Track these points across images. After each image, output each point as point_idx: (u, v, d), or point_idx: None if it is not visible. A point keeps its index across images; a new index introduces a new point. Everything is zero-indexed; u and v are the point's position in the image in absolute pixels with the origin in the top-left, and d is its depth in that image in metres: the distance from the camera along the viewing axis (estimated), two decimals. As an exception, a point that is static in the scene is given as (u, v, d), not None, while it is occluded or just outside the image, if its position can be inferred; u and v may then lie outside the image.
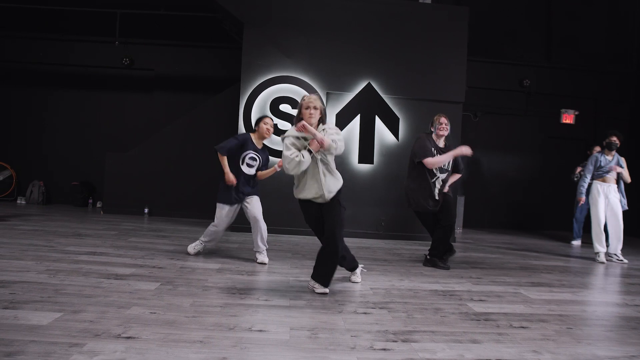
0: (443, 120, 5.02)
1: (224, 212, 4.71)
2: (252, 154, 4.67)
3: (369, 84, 6.98)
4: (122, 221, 7.41)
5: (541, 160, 9.67)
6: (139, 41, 8.95)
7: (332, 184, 3.70)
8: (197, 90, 9.06)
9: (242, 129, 6.90)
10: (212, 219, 4.83)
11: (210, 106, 8.24)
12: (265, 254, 4.83)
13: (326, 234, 3.65)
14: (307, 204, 3.79)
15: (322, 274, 3.70)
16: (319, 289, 3.70)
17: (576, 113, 9.14)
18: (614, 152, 5.98)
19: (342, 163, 7.02)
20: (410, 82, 7.04)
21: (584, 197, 6.15)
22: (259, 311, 3.14)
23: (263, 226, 4.75)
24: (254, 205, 4.74)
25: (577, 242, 7.71)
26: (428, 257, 5.13)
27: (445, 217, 4.99)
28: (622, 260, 5.95)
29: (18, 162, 9.40)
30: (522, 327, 3.10)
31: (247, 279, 4.06)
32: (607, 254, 6.03)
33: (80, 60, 9.20)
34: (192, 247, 4.99)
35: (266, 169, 4.87)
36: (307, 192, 3.70)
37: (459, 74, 7.09)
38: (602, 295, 4.22)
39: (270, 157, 5.02)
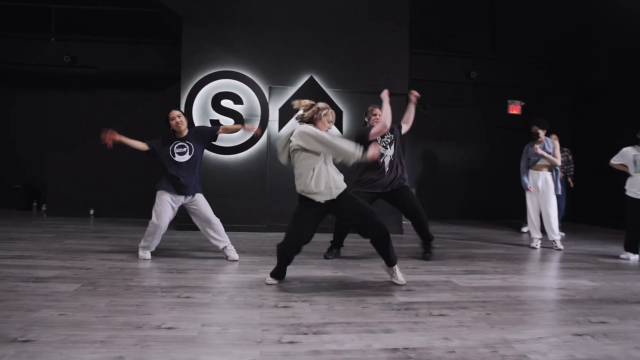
0: (377, 111, 5.01)
1: (163, 201, 4.55)
2: (178, 143, 4.62)
3: (311, 77, 6.96)
4: (65, 224, 7.18)
5: (491, 151, 9.85)
6: (80, 38, 8.66)
7: (338, 180, 3.71)
8: (141, 87, 8.85)
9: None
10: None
11: (155, 104, 8.04)
12: (233, 248, 4.79)
13: (370, 225, 3.67)
14: (308, 201, 3.71)
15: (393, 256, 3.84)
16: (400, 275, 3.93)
17: (522, 104, 9.33)
18: (541, 140, 6.12)
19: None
20: (352, 75, 7.05)
21: (529, 186, 6.25)
22: (176, 308, 3.07)
23: (216, 223, 4.70)
24: (201, 206, 4.66)
25: (526, 229, 7.84)
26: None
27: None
28: (557, 247, 6.09)
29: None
30: (441, 315, 3.12)
31: (175, 277, 3.97)
32: (553, 241, 6.15)
33: (19, 59, 8.84)
34: (142, 255, 4.70)
35: (201, 147, 4.71)
36: (314, 187, 3.61)
37: (402, 66, 7.14)
38: (530, 280, 4.30)
39: (205, 130, 4.83)
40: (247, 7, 6.90)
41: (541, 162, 6.12)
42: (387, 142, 5.05)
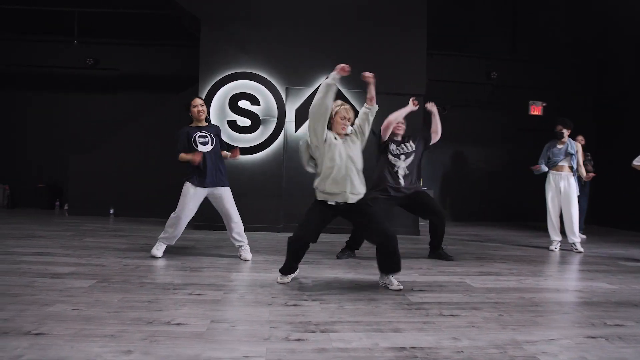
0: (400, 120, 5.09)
1: (189, 194, 4.55)
2: (199, 133, 4.62)
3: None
4: (85, 222, 7.33)
5: (512, 152, 9.71)
6: (102, 41, 8.85)
7: (358, 185, 3.67)
8: (161, 89, 8.98)
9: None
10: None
11: (173, 105, 8.15)
12: (248, 249, 4.81)
13: (379, 235, 3.62)
14: (324, 204, 3.71)
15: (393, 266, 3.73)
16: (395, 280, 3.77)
17: (544, 104, 9.18)
18: (564, 140, 6.00)
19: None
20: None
21: (539, 166, 6.12)
22: (187, 305, 3.10)
23: (238, 221, 4.72)
24: (224, 199, 4.66)
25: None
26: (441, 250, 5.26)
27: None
28: (578, 250, 5.96)
29: (-17, 166, 9.28)
30: (452, 315, 3.08)
31: (189, 275, 4.01)
32: (573, 244, 6.02)
33: (43, 61, 9.07)
34: (155, 249, 4.72)
35: (220, 140, 4.75)
36: (329, 187, 3.62)
37: (419, 67, 7.09)
38: (546, 282, 4.22)
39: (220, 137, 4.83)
40: (264, 8, 6.95)
41: (563, 162, 6.00)
42: (403, 152, 5.05)
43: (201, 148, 4.58)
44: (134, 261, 4.49)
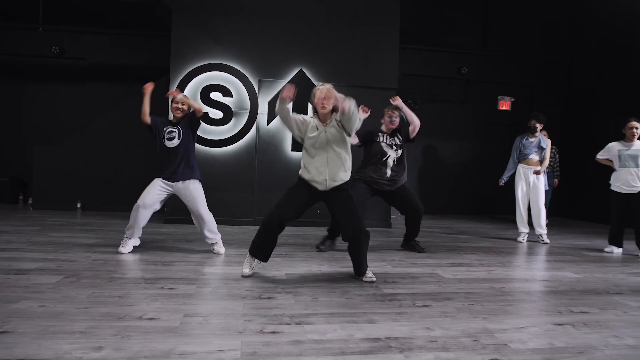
0: (391, 113, 5.18)
1: (153, 184, 4.51)
2: (169, 128, 4.57)
3: (301, 70, 6.93)
4: (51, 217, 7.11)
5: (482, 146, 9.90)
6: (70, 29, 8.53)
7: (340, 173, 3.68)
8: (131, 79, 8.73)
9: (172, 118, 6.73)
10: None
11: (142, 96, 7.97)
12: (221, 243, 4.76)
13: (350, 226, 3.64)
14: (306, 185, 3.72)
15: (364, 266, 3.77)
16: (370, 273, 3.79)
17: (512, 100, 9.38)
18: (536, 134, 6.15)
19: (275, 152, 6.97)
20: (343, 68, 7.03)
21: (502, 182, 6.31)
22: (159, 300, 3.05)
23: (208, 219, 4.61)
24: (191, 195, 4.55)
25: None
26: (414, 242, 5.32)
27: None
28: (544, 241, 6.14)
29: (-59, 158, 8.88)
30: (425, 306, 3.13)
31: (160, 269, 3.94)
32: (540, 235, 6.19)
33: (6, 49, 8.70)
34: (121, 246, 4.59)
35: (189, 132, 4.61)
36: (312, 173, 3.66)
37: (392, 61, 7.13)
38: (515, 273, 4.33)
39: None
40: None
41: (533, 155, 6.14)
42: (394, 144, 5.09)
43: (167, 143, 4.53)
44: (103, 256, 4.39)
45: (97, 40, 8.76)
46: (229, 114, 6.84)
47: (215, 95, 6.80)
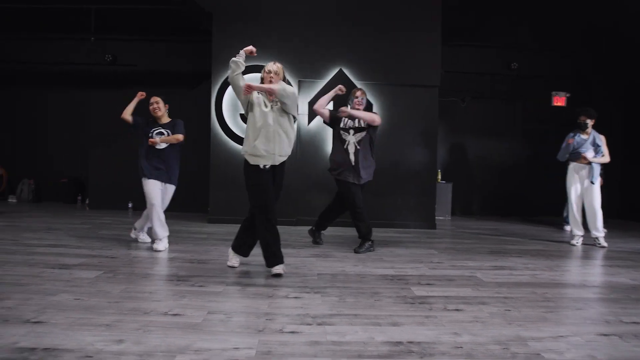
0: (359, 94, 5.06)
1: (148, 187, 4.73)
2: (157, 130, 4.77)
3: (340, 70, 6.86)
4: (103, 216, 7.45)
5: (532, 145, 9.40)
6: (120, 37, 8.93)
7: (286, 147, 3.76)
8: (176, 84, 9.02)
9: (214, 121, 6.90)
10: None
11: (189, 100, 8.20)
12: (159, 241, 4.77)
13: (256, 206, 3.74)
14: (256, 167, 3.72)
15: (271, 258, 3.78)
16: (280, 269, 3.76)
17: (567, 95, 8.87)
18: (589, 131, 5.77)
19: (316, 153, 6.94)
20: (383, 67, 6.90)
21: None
22: (186, 296, 3.09)
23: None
24: (167, 196, 4.92)
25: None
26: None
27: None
28: (601, 244, 5.73)
29: (9, 162, 9.52)
30: (457, 310, 2.99)
31: (195, 267, 4.01)
32: (596, 238, 5.79)
33: (63, 58, 9.22)
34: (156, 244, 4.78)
35: (179, 130, 4.85)
36: (260, 147, 3.66)
37: (434, 57, 6.91)
38: (562, 277, 4.06)
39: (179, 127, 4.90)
40: (275, 2, 6.89)
41: (588, 154, 5.76)
42: (352, 126, 4.98)
43: (157, 146, 4.72)
44: (143, 253, 4.53)
45: (145, 47, 9.12)
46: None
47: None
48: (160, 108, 4.83)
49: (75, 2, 8.07)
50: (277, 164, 3.74)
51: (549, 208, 9.13)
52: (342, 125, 5.01)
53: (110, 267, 3.89)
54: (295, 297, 3.15)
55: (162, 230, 4.68)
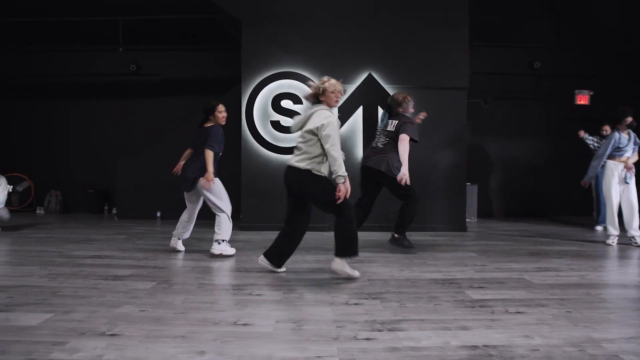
0: (409, 98, 5.24)
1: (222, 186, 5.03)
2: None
3: (369, 74, 6.90)
4: (135, 226, 7.52)
5: (556, 144, 9.38)
6: (144, 47, 9.04)
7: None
8: (203, 92, 9.08)
9: (245, 127, 6.95)
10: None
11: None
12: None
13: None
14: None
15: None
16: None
17: (591, 93, 8.83)
18: (628, 130, 5.77)
19: (347, 157, 6.95)
20: (412, 70, 6.93)
21: (587, 181, 5.95)
22: (249, 306, 3.13)
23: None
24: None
25: (601, 227, 7.35)
26: (395, 235, 5.20)
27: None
28: (638, 244, 5.70)
29: (36, 173, 9.63)
30: (519, 313, 3.00)
31: (243, 275, 4.05)
32: (632, 237, 5.77)
33: (88, 69, 9.35)
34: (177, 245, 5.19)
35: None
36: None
37: (462, 60, 6.94)
38: (610, 277, 4.07)
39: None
40: (302, 6, 6.95)
41: (629, 153, 5.77)
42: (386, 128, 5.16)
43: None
44: (189, 262, 4.58)
45: (169, 56, 9.23)
46: (298, 120, 6.95)
47: (286, 103, 6.92)
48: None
49: (104, 15, 8.19)
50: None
51: (574, 207, 9.11)
52: (380, 124, 5.37)
53: (161, 277, 3.93)
54: (356, 304, 3.17)
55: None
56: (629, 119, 5.75)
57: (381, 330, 2.64)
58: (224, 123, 5.03)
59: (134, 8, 8.42)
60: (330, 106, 3.89)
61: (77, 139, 9.66)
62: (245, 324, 2.75)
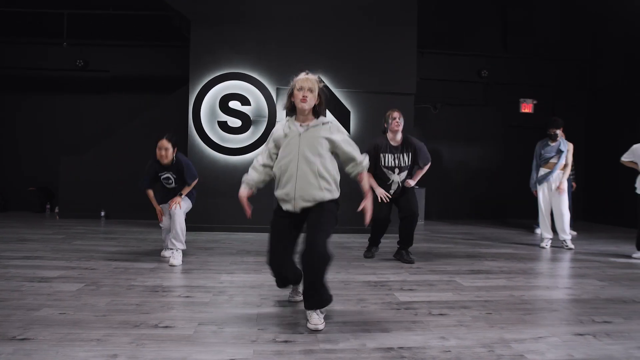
0: (396, 114, 4.76)
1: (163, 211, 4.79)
2: (164, 175, 4.67)
3: (318, 77, 6.92)
4: (76, 225, 7.28)
5: (502, 150, 9.74)
6: (92, 42, 8.78)
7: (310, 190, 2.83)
8: (152, 90, 8.92)
9: (191, 127, 6.86)
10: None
11: (163, 106, 8.12)
12: (179, 255, 4.58)
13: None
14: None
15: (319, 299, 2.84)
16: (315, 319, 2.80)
17: (535, 102, 9.21)
18: (557, 139, 6.03)
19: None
20: (360, 75, 7.03)
21: (536, 190, 6.21)
22: (175, 308, 3.09)
23: (178, 222, 4.54)
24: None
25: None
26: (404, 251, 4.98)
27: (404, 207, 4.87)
28: (568, 247, 5.99)
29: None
30: (441, 315, 3.09)
31: (178, 277, 4.00)
32: (564, 241, 6.04)
33: (33, 64, 9.00)
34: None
35: (190, 179, 4.65)
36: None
37: (410, 66, 7.09)
38: (536, 280, 4.24)
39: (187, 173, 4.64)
40: (254, 8, 6.93)
41: (554, 159, 6.02)
42: (398, 165, 4.77)
43: (167, 186, 4.74)
44: (123, 264, 4.47)
45: (118, 52, 8.99)
46: (247, 122, 6.90)
47: (234, 104, 6.87)
48: (168, 155, 4.49)
49: (47, 7, 7.90)
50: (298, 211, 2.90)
51: (520, 210, 9.45)
52: (384, 163, 4.75)
53: (91, 279, 3.83)
54: (284, 307, 3.19)
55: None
56: (550, 130, 6.00)
57: (302, 333, 2.66)
58: (163, 162, 4.56)
59: (82, 1, 8.19)
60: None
61: (20, 135, 9.26)
62: (166, 327, 2.71)
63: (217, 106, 6.85)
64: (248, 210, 3.08)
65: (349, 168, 3.01)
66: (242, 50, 6.92)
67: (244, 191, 3.08)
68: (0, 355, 2.26)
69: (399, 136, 4.83)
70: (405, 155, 4.82)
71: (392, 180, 4.80)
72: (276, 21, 6.97)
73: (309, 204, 2.82)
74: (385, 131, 4.87)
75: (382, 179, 4.81)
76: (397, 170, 4.80)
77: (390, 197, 4.83)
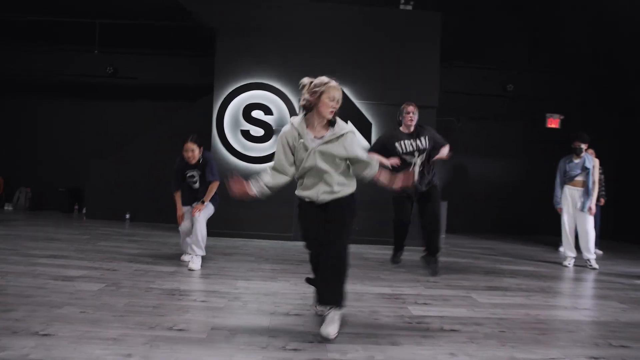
0: (410, 108, 4.71)
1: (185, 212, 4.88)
2: (189, 174, 4.83)
3: (341, 90, 7.00)
4: (101, 226, 7.49)
5: (527, 165, 9.60)
6: (122, 50, 9.11)
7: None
8: (178, 97, 9.17)
9: (215, 135, 7.00)
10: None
11: (188, 113, 8.34)
12: (198, 260, 4.66)
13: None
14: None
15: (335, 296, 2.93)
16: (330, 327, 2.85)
17: (561, 117, 9.08)
18: (581, 155, 5.92)
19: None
20: (382, 87, 7.07)
21: (560, 207, 6.11)
22: (190, 311, 3.16)
23: (199, 228, 4.65)
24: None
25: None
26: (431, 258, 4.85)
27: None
28: (592, 266, 5.85)
29: (6, 170, 9.56)
30: (453, 330, 3.08)
31: (195, 281, 4.09)
32: (588, 260, 5.91)
33: (66, 70, 9.37)
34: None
35: (211, 176, 4.81)
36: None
37: (432, 79, 7.10)
38: (555, 300, 4.17)
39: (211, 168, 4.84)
40: (278, 19, 7.07)
41: (579, 177, 5.92)
42: (417, 149, 4.72)
43: (193, 186, 4.89)
44: (144, 266, 4.59)
45: (146, 60, 9.31)
46: (269, 131, 7.02)
47: (257, 114, 7.00)
48: (195, 156, 4.71)
49: (81, 17, 8.22)
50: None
51: (545, 227, 9.28)
52: (402, 150, 4.71)
53: (112, 280, 3.95)
54: (296, 315, 3.23)
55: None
56: (575, 143, 5.90)
57: (311, 342, 2.70)
58: (191, 163, 4.77)
59: (114, 12, 8.49)
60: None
61: (51, 138, 9.63)
62: (180, 330, 2.79)
63: (241, 115, 6.99)
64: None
65: (365, 172, 3.07)
66: (265, 60, 7.05)
67: (248, 183, 3.14)
68: (23, 349, 2.36)
69: (412, 128, 4.81)
70: (422, 138, 4.77)
71: (415, 163, 4.74)
72: (299, 32, 7.09)
73: (329, 198, 3.00)
74: (400, 123, 4.88)
75: (404, 167, 4.69)
76: (417, 154, 4.75)
77: (412, 194, 4.80)
